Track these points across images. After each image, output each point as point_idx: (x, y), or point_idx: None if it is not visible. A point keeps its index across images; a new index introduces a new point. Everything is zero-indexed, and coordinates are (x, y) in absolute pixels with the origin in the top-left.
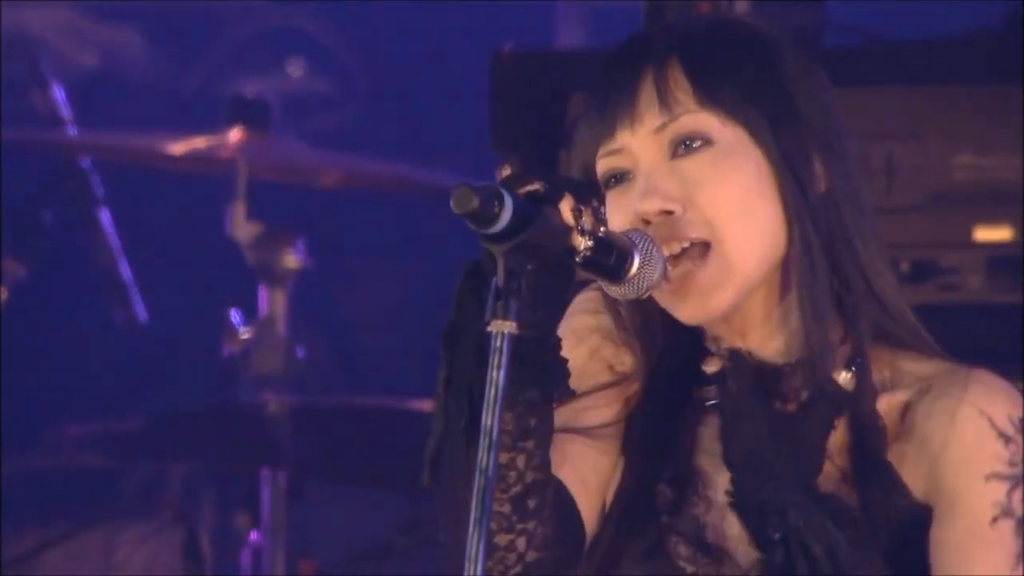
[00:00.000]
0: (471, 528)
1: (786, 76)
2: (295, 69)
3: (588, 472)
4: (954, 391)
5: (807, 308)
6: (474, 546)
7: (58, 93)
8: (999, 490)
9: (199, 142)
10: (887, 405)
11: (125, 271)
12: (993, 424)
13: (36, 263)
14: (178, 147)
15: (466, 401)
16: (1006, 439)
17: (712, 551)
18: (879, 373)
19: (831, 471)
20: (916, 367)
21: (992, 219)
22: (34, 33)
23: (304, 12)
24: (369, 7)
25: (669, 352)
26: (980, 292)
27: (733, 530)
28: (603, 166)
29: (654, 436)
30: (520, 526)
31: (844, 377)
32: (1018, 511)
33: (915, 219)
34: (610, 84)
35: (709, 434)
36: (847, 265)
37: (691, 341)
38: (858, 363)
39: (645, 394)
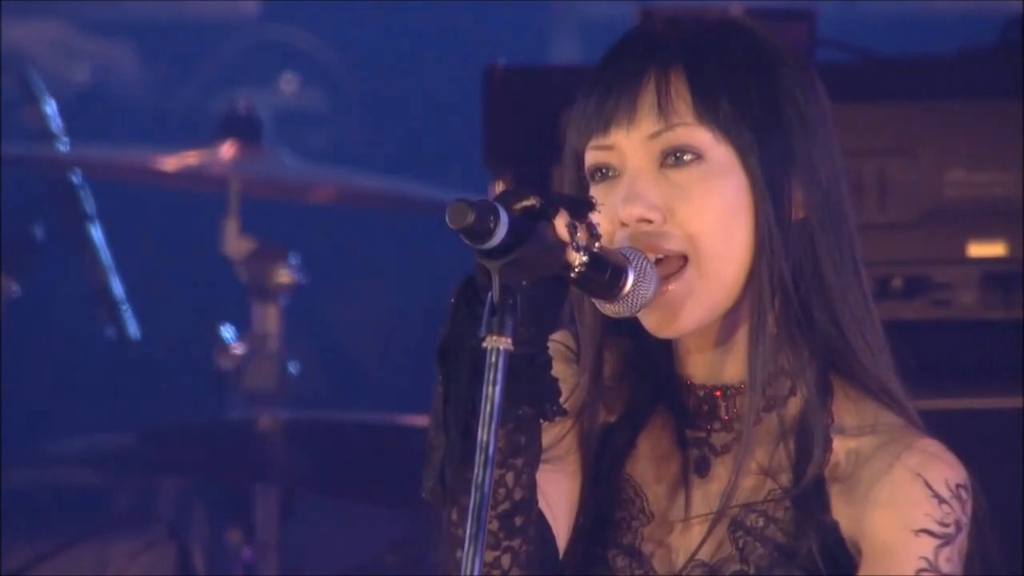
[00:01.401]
0: (467, 544)
1: (782, 99)
2: (287, 84)
3: (556, 496)
4: (896, 448)
5: (755, 332)
6: (469, 562)
7: (49, 108)
8: (927, 545)
9: (191, 157)
10: (835, 443)
11: (117, 287)
12: (928, 485)
13: (27, 279)
14: (170, 162)
15: (464, 417)
16: (940, 499)
17: (644, 560)
18: (835, 410)
19: (771, 488)
20: (868, 414)
21: (985, 235)
22: (26, 49)
23: (296, 27)
24: (361, 22)
25: (632, 376)
26: (974, 308)
27: (669, 538)
28: (592, 158)
29: (605, 457)
30: (506, 543)
31: (793, 402)
32: (944, 569)
33: (908, 235)
34: (612, 77)
35: (649, 448)
36: (812, 297)
37: (655, 365)
38: (810, 390)
39: (595, 416)
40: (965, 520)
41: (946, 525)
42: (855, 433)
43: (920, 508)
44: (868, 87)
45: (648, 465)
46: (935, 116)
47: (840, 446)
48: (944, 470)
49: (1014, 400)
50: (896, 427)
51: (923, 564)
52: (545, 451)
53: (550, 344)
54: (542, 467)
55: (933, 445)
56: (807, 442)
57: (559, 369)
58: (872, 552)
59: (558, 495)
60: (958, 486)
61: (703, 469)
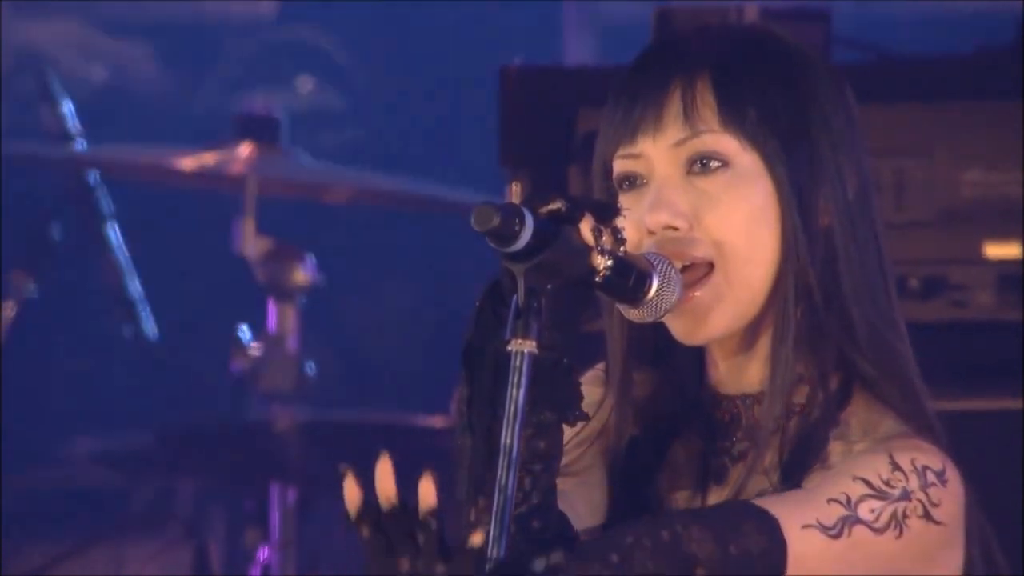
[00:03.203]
0: (489, 546)
1: (809, 106)
2: (304, 85)
3: (582, 507)
4: (885, 443)
5: (777, 339)
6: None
7: (67, 108)
8: (856, 489)
9: (208, 158)
10: (833, 444)
11: (134, 287)
12: (891, 456)
13: (45, 278)
14: (187, 163)
15: (488, 419)
16: (895, 466)
17: None
18: (846, 416)
19: (763, 486)
20: (875, 422)
21: (1002, 235)
22: (44, 48)
23: (313, 28)
24: (377, 23)
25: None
26: (990, 308)
27: None
28: (619, 167)
29: (632, 469)
30: (523, 546)
31: (808, 410)
32: (861, 515)
33: (925, 235)
34: (639, 85)
35: (674, 458)
36: (834, 306)
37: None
38: (827, 399)
39: (623, 428)
40: (922, 497)
41: (889, 485)
42: (856, 438)
43: (872, 466)
44: (884, 87)
45: (671, 474)
46: (951, 116)
47: (836, 447)
48: (915, 453)
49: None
50: (897, 432)
51: (839, 497)
52: (573, 463)
53: (592, 371)
54: (570, 479)
55: (921, 442)
56: (807, 446)
57: (594, 392)
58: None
59: (584, 505)
60: (925, 467)
61: (721, 477)
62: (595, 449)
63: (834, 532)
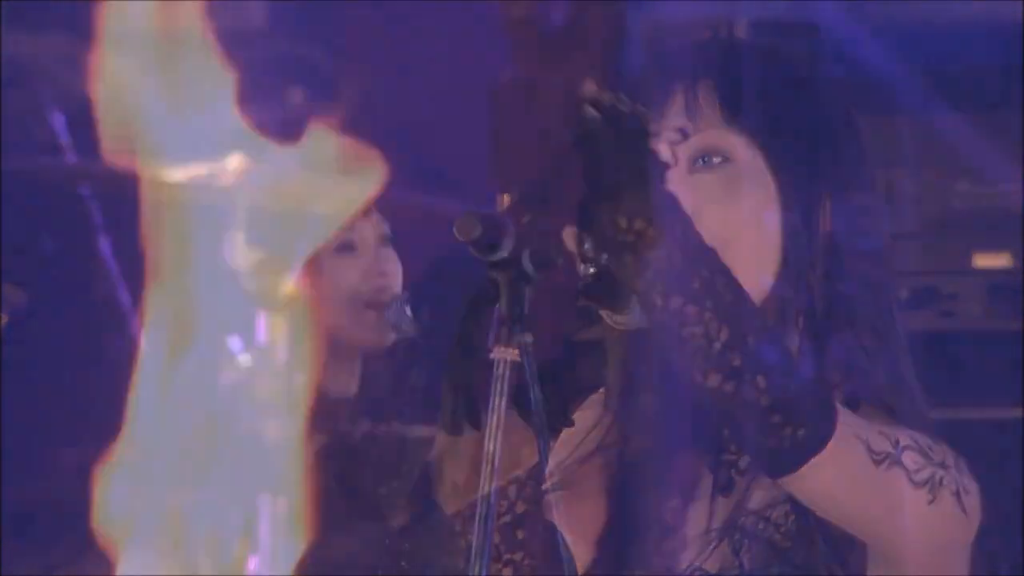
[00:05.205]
0: (472, 555)
1: (816, 112)
2: (294, 96)
3: (575, 520)
4: None
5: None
6: (475, 573)
7: (58, 120)
8: (903, 439)
9: (198, 169)
10: None
11: (124, 298)
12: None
13: (35, 290)
14: (177, 174)
15: (475, 428)
16: (936, 441)
17: (657, 571)
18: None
19: (771, 496)
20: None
21: (992, 246)
22: (34, 60)
23: (304, 41)
24: (369, 36)
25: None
26: (980, 318)
27: (684, 552)
28: None
29: (636, 483)
30: (507, 556)
31: None
32: (903, 459)
33: (915, 246)
34: (641, 93)
35: (680, 470)
36: (837, 311)
37: None
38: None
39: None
40: (956, 476)
41: (931, 450)
42: None
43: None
44: (873, 100)
45: (675, 486)
46: (941, 128)
47: None
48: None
49: (1019, 411)
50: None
51: (889, 435)
52: (570, 478)
53: (595, 394)
54: (566, 492)
55: None
56: None
57: (593, 410)
58: None
59: (579, 519)
60: (957, 457)
61: (727, 489)
62: (594, 464)
63: (877, 458)
